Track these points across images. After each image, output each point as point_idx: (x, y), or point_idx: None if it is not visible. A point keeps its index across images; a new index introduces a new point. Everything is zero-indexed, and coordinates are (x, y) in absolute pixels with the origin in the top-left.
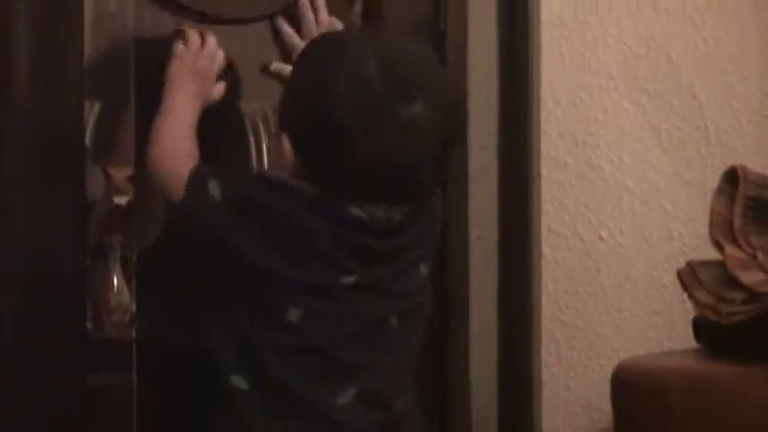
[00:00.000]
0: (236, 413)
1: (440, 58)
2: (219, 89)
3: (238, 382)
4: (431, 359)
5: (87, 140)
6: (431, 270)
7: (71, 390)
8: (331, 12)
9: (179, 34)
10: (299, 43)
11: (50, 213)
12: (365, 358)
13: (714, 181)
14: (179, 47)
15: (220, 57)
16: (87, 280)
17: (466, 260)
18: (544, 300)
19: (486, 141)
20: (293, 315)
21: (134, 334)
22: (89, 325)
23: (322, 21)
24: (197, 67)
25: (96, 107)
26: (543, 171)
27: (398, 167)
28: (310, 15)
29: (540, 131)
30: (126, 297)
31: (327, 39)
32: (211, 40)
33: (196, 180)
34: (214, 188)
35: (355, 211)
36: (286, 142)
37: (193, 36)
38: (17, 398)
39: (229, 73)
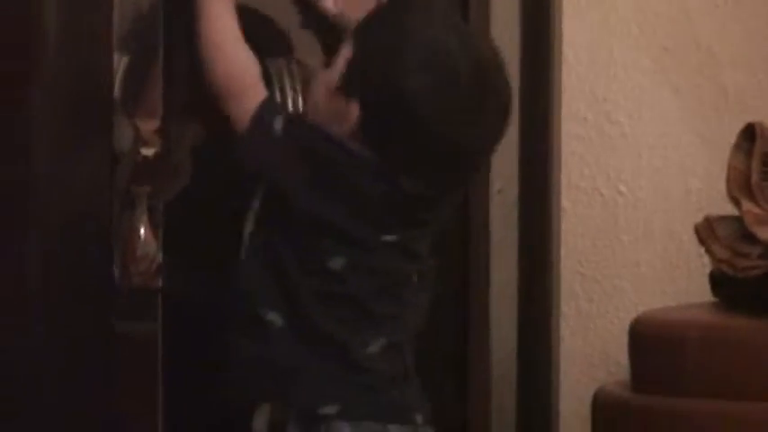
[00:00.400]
0: (269, 346)
1: (462, 14)
2: None
3: (274, 317)
4: (451, 311)
5: (116, 93)
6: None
7: (98, 337)
8: None
9: None
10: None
11: (79, 164)
12: (393, 311)
13: (731, 137)
14: None
15: None
16: (114, 230)
17: (487, 213)
18: (563, 253)
19: None
20: (337, 263)
21: (160, 283)
22: (116, 273)
23: None
24: None
25: (125, 60)
26: (563, 126)
27: (461, 156)
28: None
29: (560, 87)
30: (153, 246)
31: (415, 5)
32: None
33: (263, 116)
34: (278, 125)
35: (407, 182)
36: (354, 109)
37: None
38: (45, 345)
39: None
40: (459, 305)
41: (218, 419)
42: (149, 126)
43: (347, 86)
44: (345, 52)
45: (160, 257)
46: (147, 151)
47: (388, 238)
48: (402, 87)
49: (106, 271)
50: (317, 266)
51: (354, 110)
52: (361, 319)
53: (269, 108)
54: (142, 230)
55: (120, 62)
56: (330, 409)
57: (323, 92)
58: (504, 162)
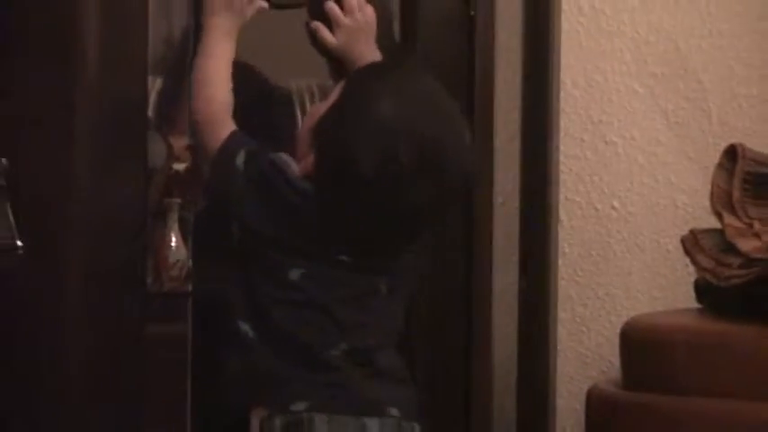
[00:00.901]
0: (244, 356)
1: (469, 46)
2: (253, 8)
3: (246, 328)
4: (456, 315)
5: (150, 112)
6: (419, 257)
7: (132, 337)
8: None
9: None
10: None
11: (116, 178)
12: (356, 318)
13: (715, 157)
14: None
15: None
16: (148, 238)
17: (490, 224)
18: (561, 262)
19: (510, 117)
20: (294, 274)
21: (190, 287)
22: (149, 279)
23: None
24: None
25: (158, 82)
26: (561, 146)
27: (383, 230)
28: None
29: (559, 110)
30: (183, 254)
31: (378, 87)
32: None
33: (228, 148)
34: (240, 160)
35: (350, 211)
36: (312, 150)
37: None
38: (82, 345)
39: None
40: (463, 308)
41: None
42: (181, 143)
43: (317, 132)
44: (335, 93)
45: (190, 264)
46: (179, 166)
47: (342, 257)
48: (350, 155)
49: (140, 276)
50: (277, 278)
51: (312, 151)
52: (323, 324)
53: (235, 141)
54: (173, 239)
55: (154, 85)
56: (299, 406)
57: (308, 122)
58: (507, 177)
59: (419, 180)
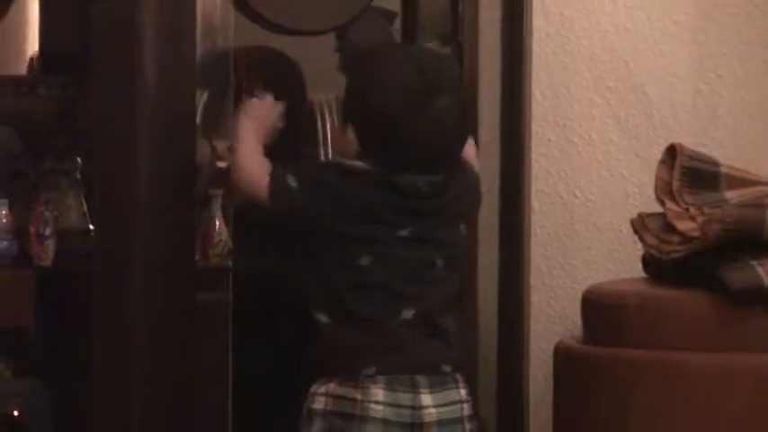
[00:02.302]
0: (321, 341)
1: (456, 64)
2: (278, 126)
3: (321, 317)
4: None
5: (198, 120)
6: (467, 229)
7: (182, 305)
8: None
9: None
10: None
11: (169, 174)
12: (419, 290)
13: (659, 154)
14: (247, 104)
15: (274, 107)
16: (196, 222)
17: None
18: (533, 240)
19: (490, 123)
20: (365, 260)
21: (230, 263)
22: (197, 256)
23: None
24: (259, 115)
25: (204, 95)
26: (533, 146)
27: (432, 147)
28: None
29: (531, 117)
30: (225, 234)
31: (375, 53)
32: (268, 97)
33: (277, 177)
34: (291, 180)
35: (403, 180)
36: (351, 133)
37: (255, 99)
38: (144, 310)
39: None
40: None
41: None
42: (223, 145)
43: (346, 118)
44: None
45: (230, 243)
46: (222, 164)
47: (402, 233)
48: (378, 112)
49: (189, 253)
50: (350, 266)
51: (352, 134)
52: (390, 299)
53: (280, 171)
54: (217, 223)
55: (201, 97)
56: (369, 371)
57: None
58: (489, 172)
59: (434, 109)
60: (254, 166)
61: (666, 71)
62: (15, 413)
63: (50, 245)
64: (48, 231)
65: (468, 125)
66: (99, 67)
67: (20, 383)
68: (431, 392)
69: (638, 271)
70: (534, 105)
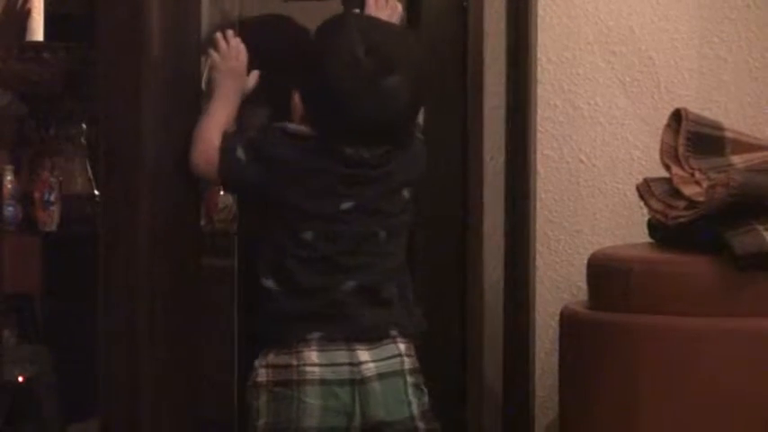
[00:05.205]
0: (268, 305)
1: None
2: (253, 78)
3: (268, 282)
4: (452, 249)
5: (203, 85)
6: (413, 194)
7: (190, 268)
8: None
9: (212, 42)
10: None
11: (175, 137)
12: (361, 262)
13: (664, 119)
14: (212, 56)
15: (244, 53)
16: (201, 187)
17: (481, 176)
18: (538, 205)
19: (496, 89)
20: (308, 235)
21: (236, 228)
22: (202, 221)
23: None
24: (229, 67)
25: (210, 60)
26: (538, 110)
27: (376, 122)
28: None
29: (536, 81)
30: (229, 200)
31: (328, 24)
32: (234, 41)
33: (226, 151)
34: (240, 153)
35: (348, 151)
36: (297, 98)
37: (221, 42)
38: (148, 279)
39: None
40: (458, 244)
41: None
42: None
43: (294, 84)
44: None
45: (236, 208)
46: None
47: (345, 206)
48: (324, 82)
49: (195, 218)
50: (295, 239)
51: (300, 100)
52: (332, 271)
53: (230, 144)
54: (221, 188)
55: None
56: (314, 335)
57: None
58: (495, 137)
59: (380, 84)
60: (205, 144)
61: (671, 36)
62: (20, 379)
63: (55, 210)
64: (53, 197)
65: (421, 99)
66: (104, 32)
67: (25, 349)
68: (368, 349)
69: (643, 236)
70: (539, 70)
